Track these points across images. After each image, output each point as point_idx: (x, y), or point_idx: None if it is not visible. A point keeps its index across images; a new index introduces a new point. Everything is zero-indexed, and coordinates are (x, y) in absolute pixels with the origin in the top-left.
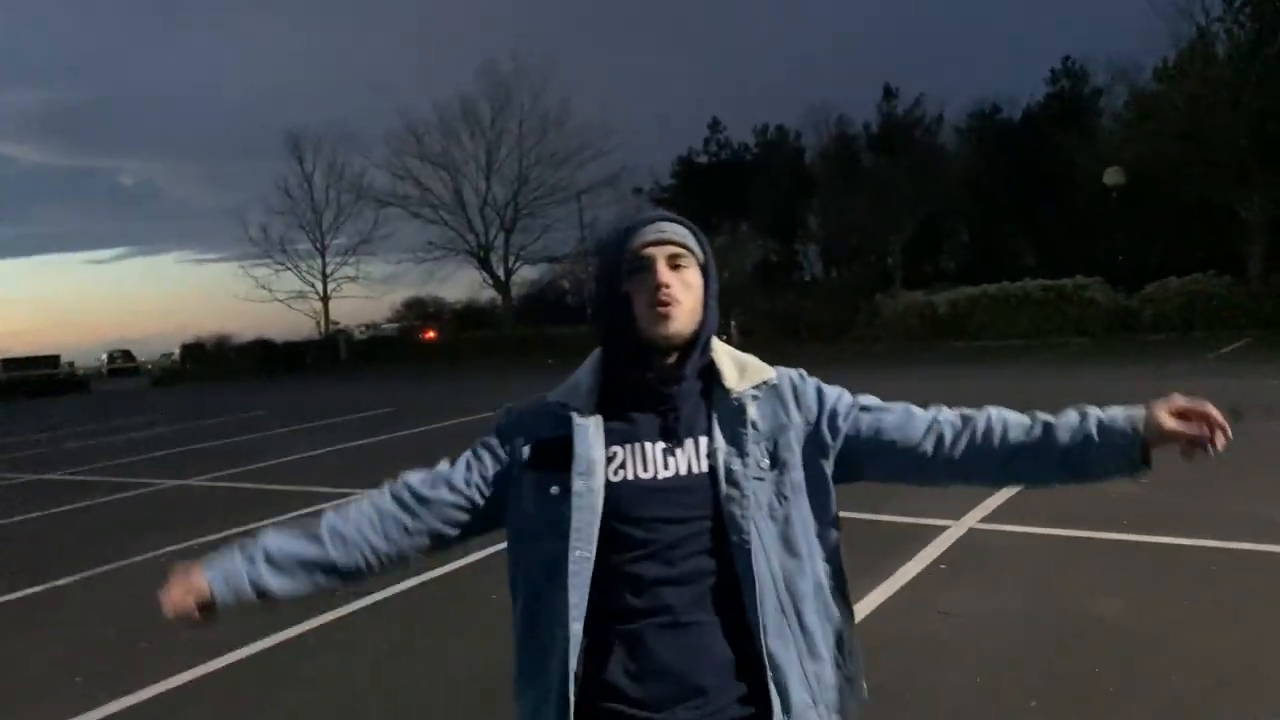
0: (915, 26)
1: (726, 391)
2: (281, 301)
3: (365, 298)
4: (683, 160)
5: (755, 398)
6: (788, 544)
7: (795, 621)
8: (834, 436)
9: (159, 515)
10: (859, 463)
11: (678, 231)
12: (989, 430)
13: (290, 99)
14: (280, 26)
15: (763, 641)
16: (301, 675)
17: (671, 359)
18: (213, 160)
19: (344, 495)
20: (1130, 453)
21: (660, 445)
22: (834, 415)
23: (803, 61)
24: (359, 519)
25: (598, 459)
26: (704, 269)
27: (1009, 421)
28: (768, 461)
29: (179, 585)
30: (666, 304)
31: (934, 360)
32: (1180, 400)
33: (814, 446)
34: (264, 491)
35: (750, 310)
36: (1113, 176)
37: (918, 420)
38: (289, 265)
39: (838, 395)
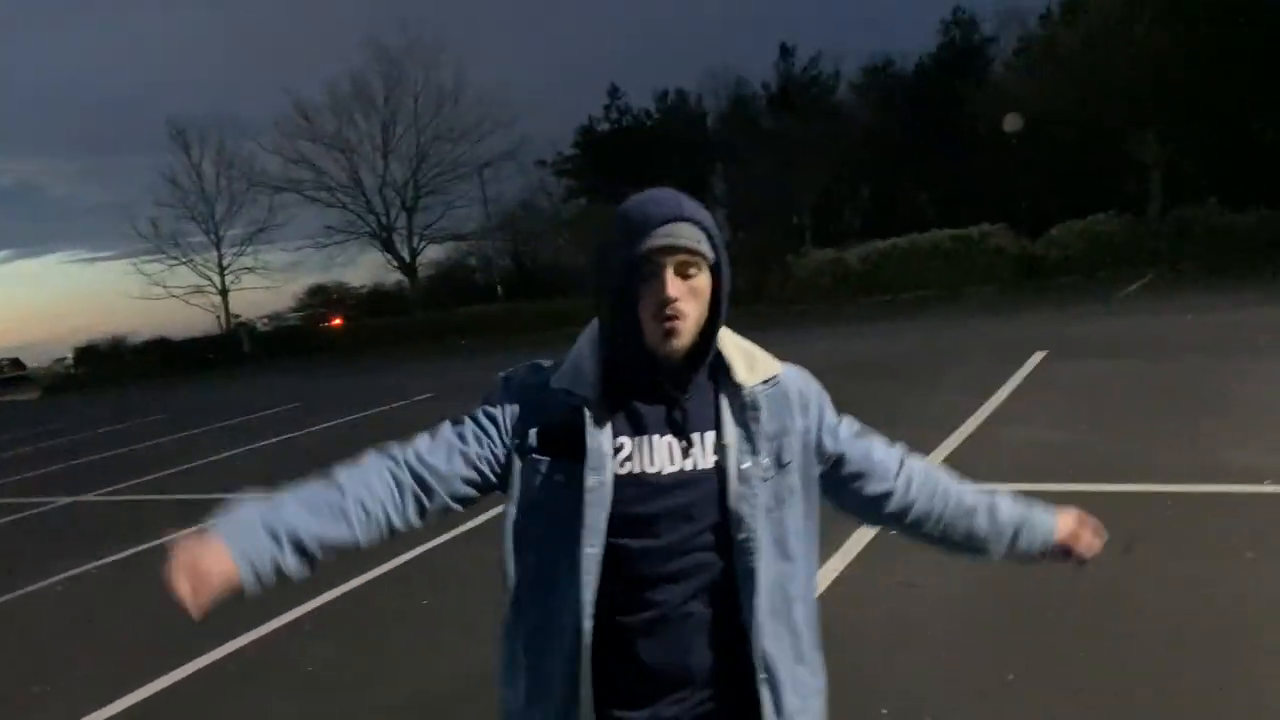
0: None
1: (737, 386)
2: (178, 297)
3: (267, 288)
4: (584, 129)
5: (766, 395)
6: (781, 547)
7: (786, 624)
8: (832, 448)
9: (51, 540)
10: (835, 486)
11: (690, 236)
12: (945, 499)
13: (173, 89)
14: (156, 14)
15: (758, 642)
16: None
17: (679, 364)
18: (94, 156)
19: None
20: (1038, 551)
21: (668, 439)
22: (835, 429)
23: (698, 21)
24: (381, 492)
25: (607, 452)
26: (715, 267)
27: (962, 500)
28: (770, 461)
29: (197, 569)
30: (673, 319)
31: (855, 317)
32: (1075, 524)
33: (811, 454)
34: (168, 503)
35: None
36: (1011, 123)
37: (890, 462)
38: (183, 259)
39: (834, 411)
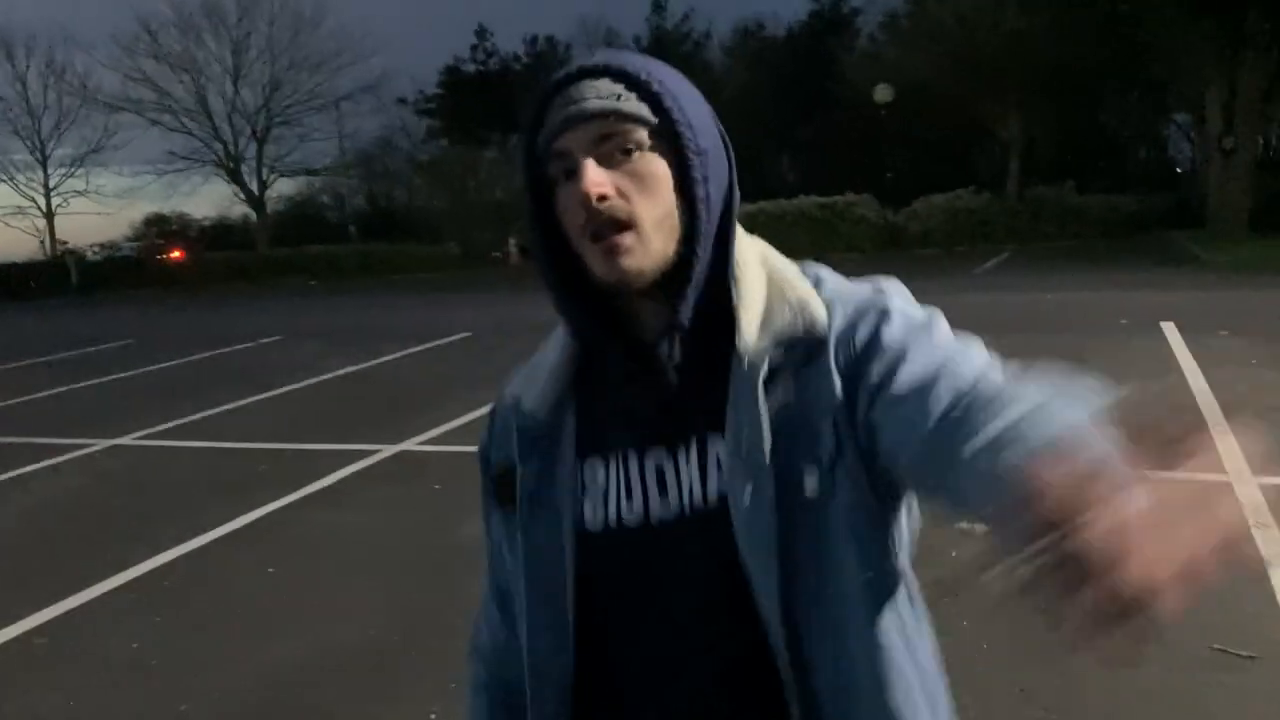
0: None
1: (740, 356)
2: None
3: (99, 214)
4: (449, 69)
5: (784, 369)
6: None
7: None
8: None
9: None
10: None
11: (604, 93)
12: None
13: None
14: None
15: None
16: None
17: (647, 310)
18: None
19: (78, 447)
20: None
21: (650, 459)
22: (889, 372)
23: None
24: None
25: (557, 494)
26: (674, 138)
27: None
28: (806, 482)
29: None
30: (602, 233)
31: None
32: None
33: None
34: None
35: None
36: (882, 94)
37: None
38: (3, 177)
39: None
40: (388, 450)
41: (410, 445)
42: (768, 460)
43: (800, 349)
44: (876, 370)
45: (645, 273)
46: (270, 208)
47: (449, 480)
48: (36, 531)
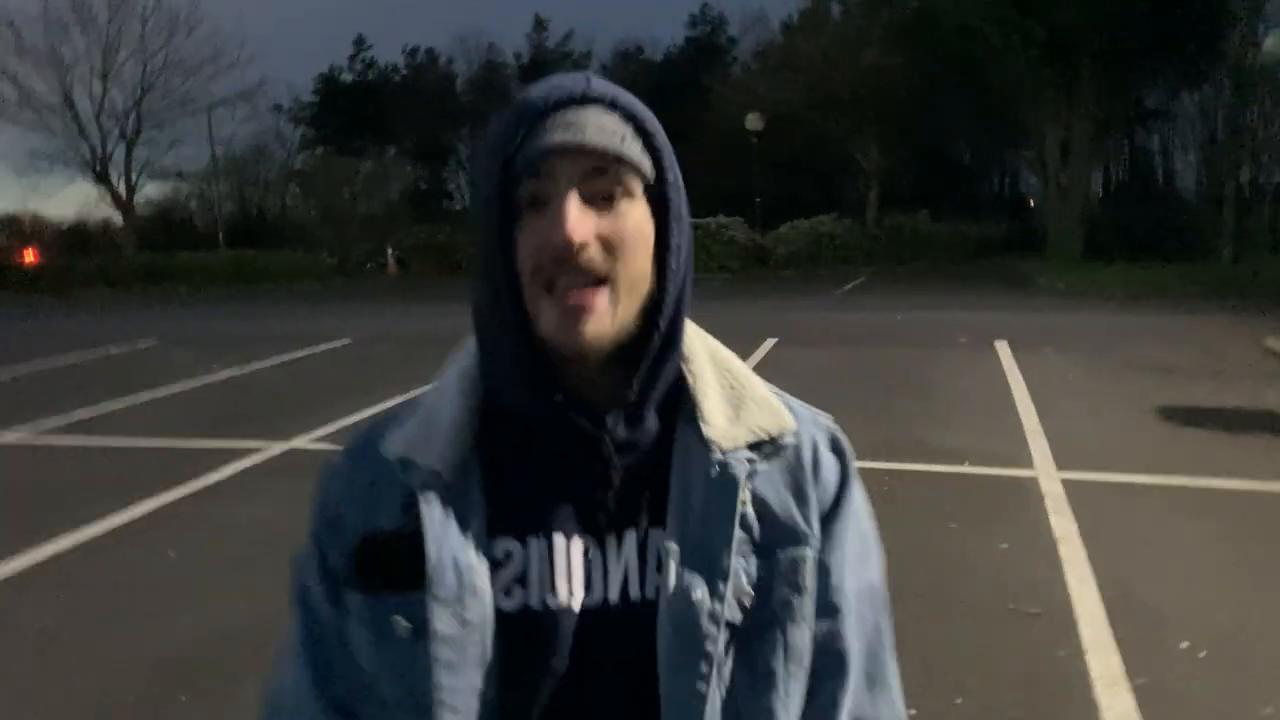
0: None
1: (705, 445)
2: None
3: None
4: (326, 78)
5: (755, 466)
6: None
7: None
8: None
9: None
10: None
11: (606, 129)
12: None
13: None
14: None
15: None
16: None
17: (591, 377)
18: None
19: None
20: None
21: (579, 543)
22: (840, 557)
23: None
24: None
25: (473, 567)
26: (662, 199)
27: None
28: (752, 588)
29: None
30: (571, 284)
31: None
32: None
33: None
34: None
35: (405, 241)
36: (753, 122)
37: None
38: None
39: (859, 520)
40: (276, 448)
41: (298, 443)
42: (728, 564)
43: (766, 450)
44: (829, 552)
45: (605, 341)
46: (136, 211)
47: None
48: None
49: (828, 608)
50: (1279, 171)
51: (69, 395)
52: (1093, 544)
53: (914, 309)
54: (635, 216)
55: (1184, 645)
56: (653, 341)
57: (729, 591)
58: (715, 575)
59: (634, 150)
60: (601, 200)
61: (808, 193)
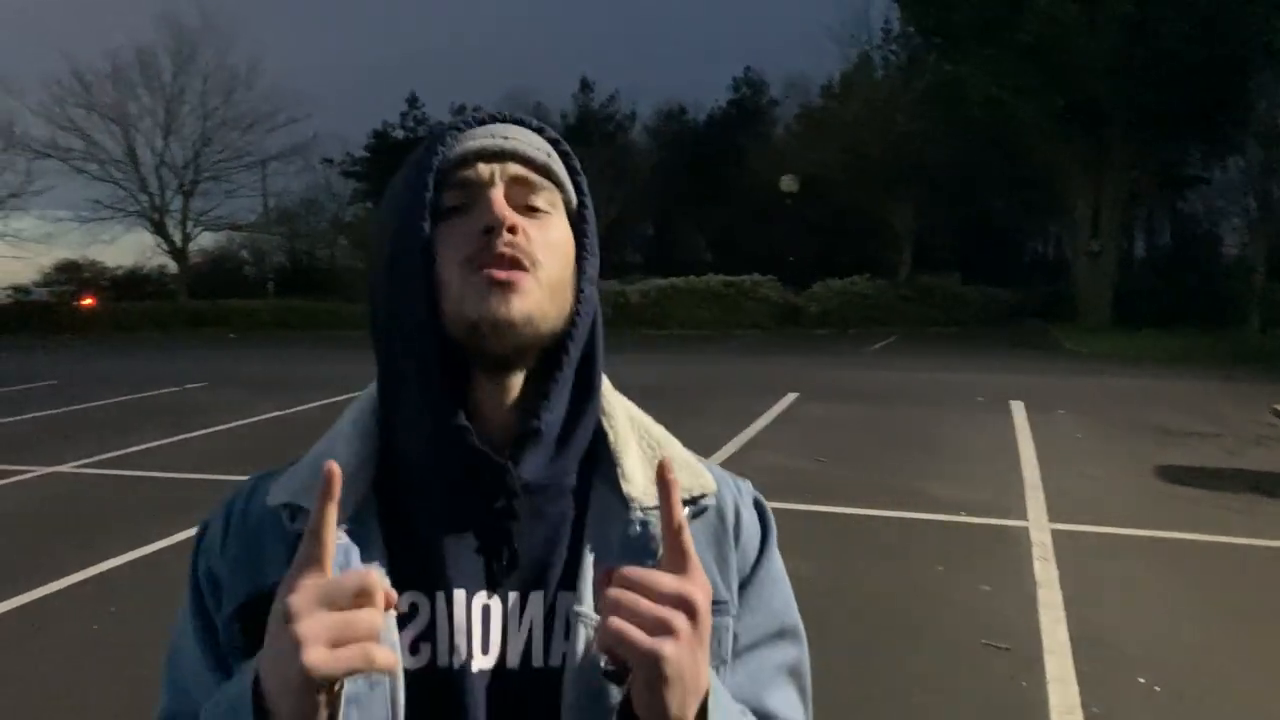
0: (612, 25)
1: (624, 503)
2: None
3: (15, 258)
4: (378, 134)
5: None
6: None
7: None
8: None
9: None
10: None
11: (534, 142)
12: None
13: None
14: None
15: None
16: None
17: (498, 403)
18: None
19: (15, 473)
20: None
21: (486, 598)
22: (754, 601)
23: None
24: None
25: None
26: (578, 219)
27: None
28: None
29: None
30: (508, 262)
31: (633, 346)
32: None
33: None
34: None
35: None
36: (788, 184)
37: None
38: None
39: (772, 566)
40: None
41: None
42: None
43: (687, 511)
44: (744, 616)
45: (531, 326)
46: (190, 260)
47: None
48: None
49: (742, 673)
50: None
51: (123, 432)
52: (1070, 589)
53: (938, 369)
54: (559, 228)
55: (1141, 680)
56: (563, 363)
57: None
58: None
59: (558, 169)
60: (528, 208)
61: (842, 253)
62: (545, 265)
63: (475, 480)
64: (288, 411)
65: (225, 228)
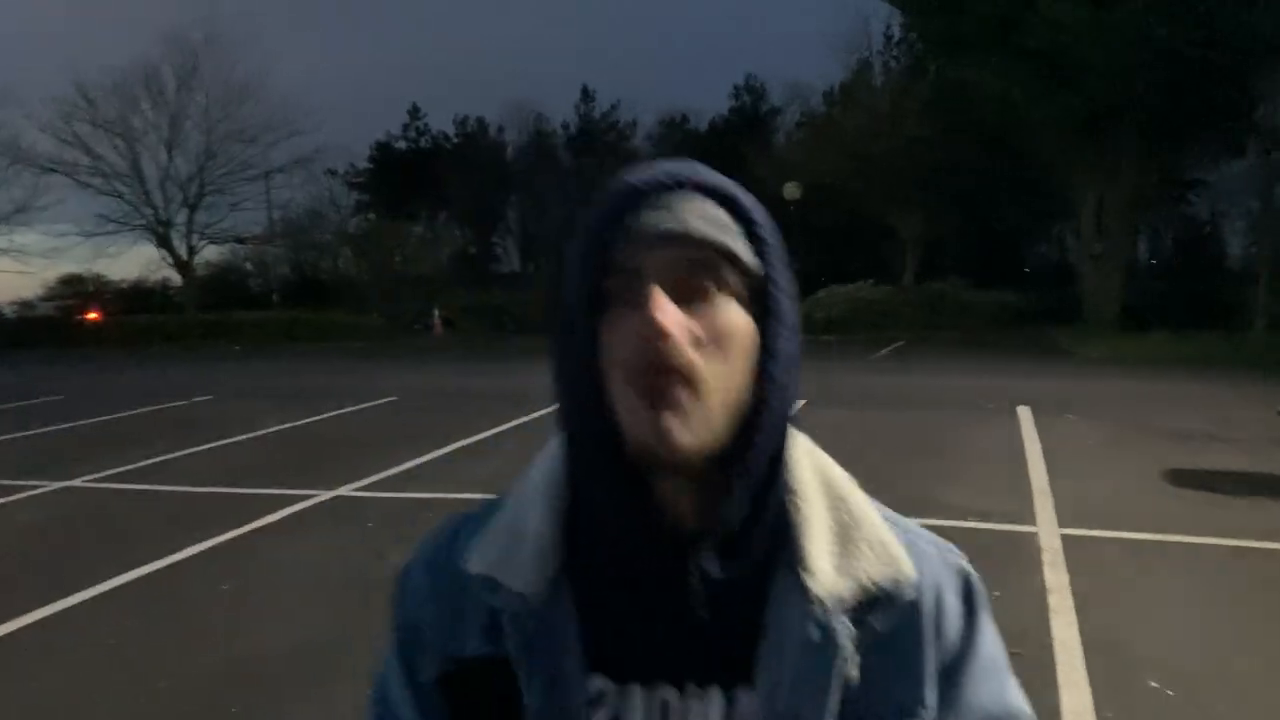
0: (612, 35)
1: (805, 599)
2: None
3: (19, 273)
4: (380, 145)
5: (864, 628)
6: None
7: None
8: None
9: None
10: None
11: (708, 214)
12: None
13: None
14: None
15: None
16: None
17: (680, 499)
18: None
19: (29, 488)
20: None
21: (662, 692)
22: (962, 684)
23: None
24: None
25: (569, 707)
26: (762, 290)
27: None
28: None
29: None
30: (665, 379)
31: None
32: None
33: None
34: None
35: (451, 303)
36: (791, 191)
37: None
38: None
39: (988, 642)
40: (324, 495)
41: (344, 491)
42: None
43: (880, 609)
44: (946, 714)
45: (695, 448)
46: (195, 273)
47: (382, 521)
48: (4, 553)
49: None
50: None
51: (133, 445)
52: (1081, 594)
53: (945, 374)
54: (732, 314)
55: (1153, 684)
56: (748, 461)
57: None
58: None
59: (737, 243)
60: (700, 295)
61: (848, 259)
62: (712, 367)
63: (659, 572)
64: (299, 423)
65: (230, 240)
